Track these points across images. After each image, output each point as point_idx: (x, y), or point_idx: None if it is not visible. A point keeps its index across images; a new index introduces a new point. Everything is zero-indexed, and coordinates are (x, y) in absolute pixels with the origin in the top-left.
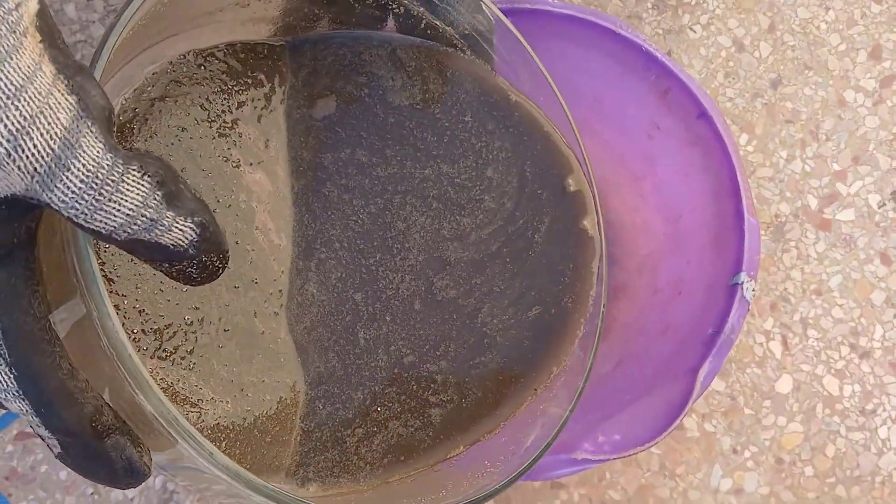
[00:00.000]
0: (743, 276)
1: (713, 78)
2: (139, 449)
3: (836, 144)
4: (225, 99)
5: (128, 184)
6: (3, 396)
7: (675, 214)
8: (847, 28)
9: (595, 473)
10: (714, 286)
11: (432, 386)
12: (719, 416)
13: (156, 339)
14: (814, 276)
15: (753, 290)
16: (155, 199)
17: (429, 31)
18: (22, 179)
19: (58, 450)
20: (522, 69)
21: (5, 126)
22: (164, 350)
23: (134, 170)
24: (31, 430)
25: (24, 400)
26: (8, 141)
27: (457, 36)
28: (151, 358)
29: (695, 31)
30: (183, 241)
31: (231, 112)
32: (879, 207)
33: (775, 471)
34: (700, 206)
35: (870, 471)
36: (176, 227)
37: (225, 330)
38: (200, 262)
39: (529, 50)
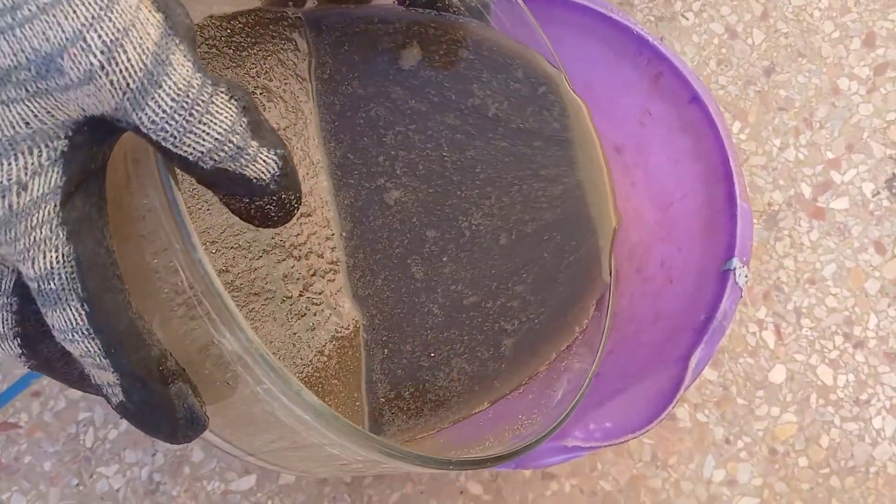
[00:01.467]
0: (735, 262)
1: (706, 65)
2: (199, 398)
3: (829, 132)
4: (253, 65)
5: (217, 105)
6: (69, 337)
7: (666, 201)
8: (841, 15)
9: (586, 463)
10: (706, 273)
11: (506, 314)
12: (712, 406)
13: None
14: (807, 265)
15: (746, 277)
16: (241, 125)
17: (437, 4)
18: (113, 96)
19: (118, 398)
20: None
21: (99, 36)
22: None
23: (222, 91)
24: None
25: (93, 339)
26: (102, 52)
27: (462, 8)
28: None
29: (687, 18)
30: (265, 175)
31: (259, 77)
32: (873, 196)
33: (769, 461)
34: (692, 192)
35: (864, 461)
36: (260, 158)
37: (254, 293)
38: (279, 199)
39: (539, 29)
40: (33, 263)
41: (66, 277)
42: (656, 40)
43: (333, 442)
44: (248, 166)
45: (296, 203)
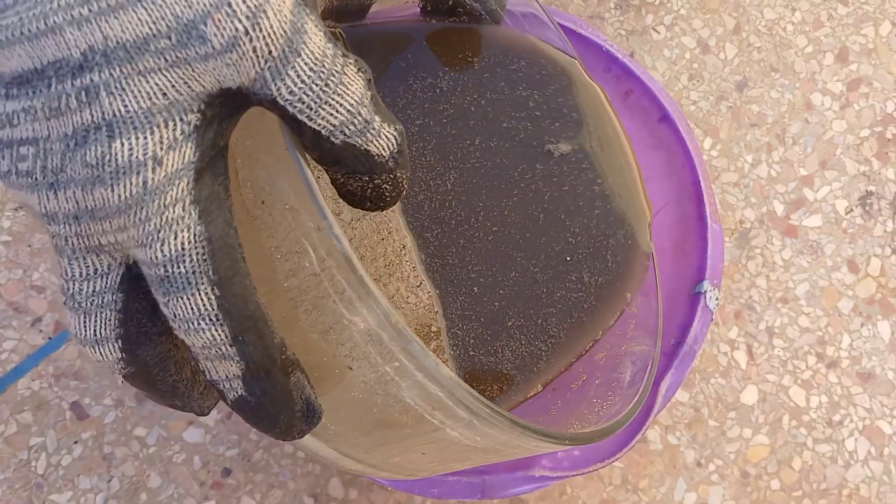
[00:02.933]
0: (706, 285)
1: (677, 80)
2: (313, 389)
3: (802, 149)
4: None
5: (349, 77)
6: (195, 325)
7: None
8: (814, 30)
9: (556, 488)
10: (677, 294)
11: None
12: (683, 428)
13: None
14: (780, 284)
15: (717, 300)
16: (367, 97)
17: (459, 9)
18: (254, 65)
19: (238, 393)
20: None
21: (244, 1)
22: None
23: (351, 63)
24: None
25: (221, 326)
26: (247, 18)
27: (483, 11)
28: None
29: (658, 32)
30: (385, 151)
31: None
32: (847, 213)
33: (741, 484)
34: (664, 210)
35: (837, 483)
36: (384, 133)
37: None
38: (394, 178)
39: (550, 17)
40: (163, 245)
41: (198, 259)
42: (626, 57)
43: (459, 420)
44: (373, 141)
45: (406, 183)
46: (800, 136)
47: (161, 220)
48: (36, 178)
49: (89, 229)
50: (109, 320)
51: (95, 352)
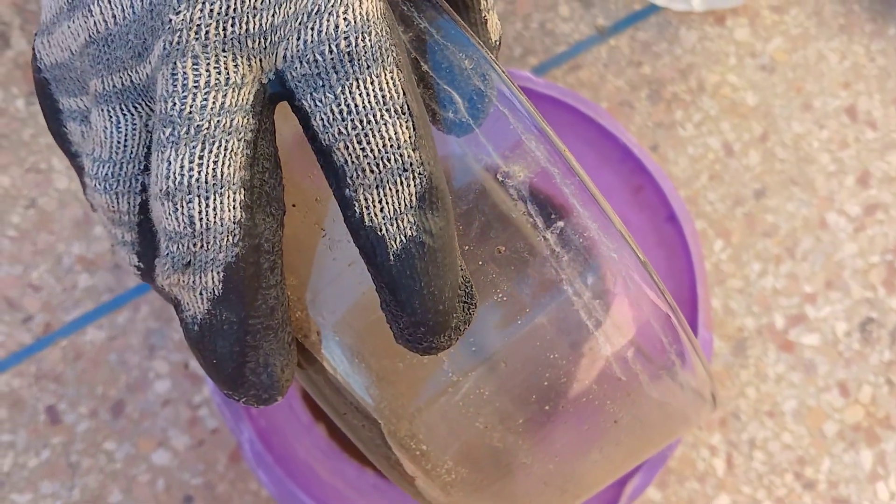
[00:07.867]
0: None
1: (697, 178)
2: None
3: (811, 265)
4: None
5: None
6: (375, 119)
7: None
8: (839, 149)
9: None
10: None
11: None
12: None
13: None
14: (768, 397)
15: None
16: None
17: None
18: None
19: (408, 233)
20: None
21: None
22: None
23: None
24: None
25: (408, 119)
26: None
27: None
28: None
29: (685, 129)
30: (493, 36)
31: None
32: (845, 336)
33: None
34: None
35: None
36: (496, 17)
37: None
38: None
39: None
40: (347, 11)
41: (384, 32)
42: (642, 152)
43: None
44: (490, 10)
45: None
46: (810, 253)
47: None
48: None
49: (241, 2)
50: (236, 154)
51: (209, 205)
